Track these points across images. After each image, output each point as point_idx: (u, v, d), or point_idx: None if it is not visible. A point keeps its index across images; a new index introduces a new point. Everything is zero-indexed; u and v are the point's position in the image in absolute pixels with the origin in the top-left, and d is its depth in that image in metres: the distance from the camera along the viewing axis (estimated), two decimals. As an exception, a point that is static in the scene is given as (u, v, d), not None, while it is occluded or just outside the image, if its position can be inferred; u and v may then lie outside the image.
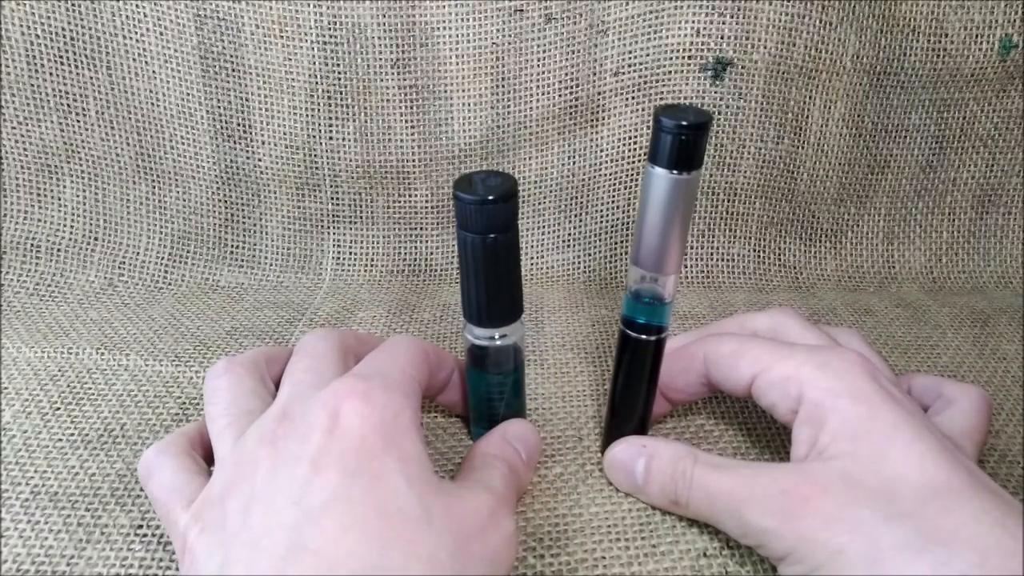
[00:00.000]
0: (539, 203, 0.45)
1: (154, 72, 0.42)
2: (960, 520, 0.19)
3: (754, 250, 0.45)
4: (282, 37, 0.41)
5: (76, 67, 0.42)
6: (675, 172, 0.22)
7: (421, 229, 0.46)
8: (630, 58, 0.42)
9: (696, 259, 0.45)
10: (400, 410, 0.22)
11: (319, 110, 0.43)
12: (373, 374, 0.23)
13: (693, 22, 0.40)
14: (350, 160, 0.44)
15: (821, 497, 0.21)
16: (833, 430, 0.23)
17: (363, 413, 0.21)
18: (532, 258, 0.46)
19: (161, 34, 0.41)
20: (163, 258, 0.45)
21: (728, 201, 0.44)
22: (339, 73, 0.42)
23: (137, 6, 0.41)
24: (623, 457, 0.27)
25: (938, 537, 0.19)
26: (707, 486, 0.24)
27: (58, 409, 0.32)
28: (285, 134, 0.43)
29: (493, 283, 0.25)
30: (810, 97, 0.42)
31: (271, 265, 0.45)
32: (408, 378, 0.24)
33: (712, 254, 0.45)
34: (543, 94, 0.43)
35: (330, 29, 0.41)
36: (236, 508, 0.20)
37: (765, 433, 0.31)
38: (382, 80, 0.42)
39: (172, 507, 0.23)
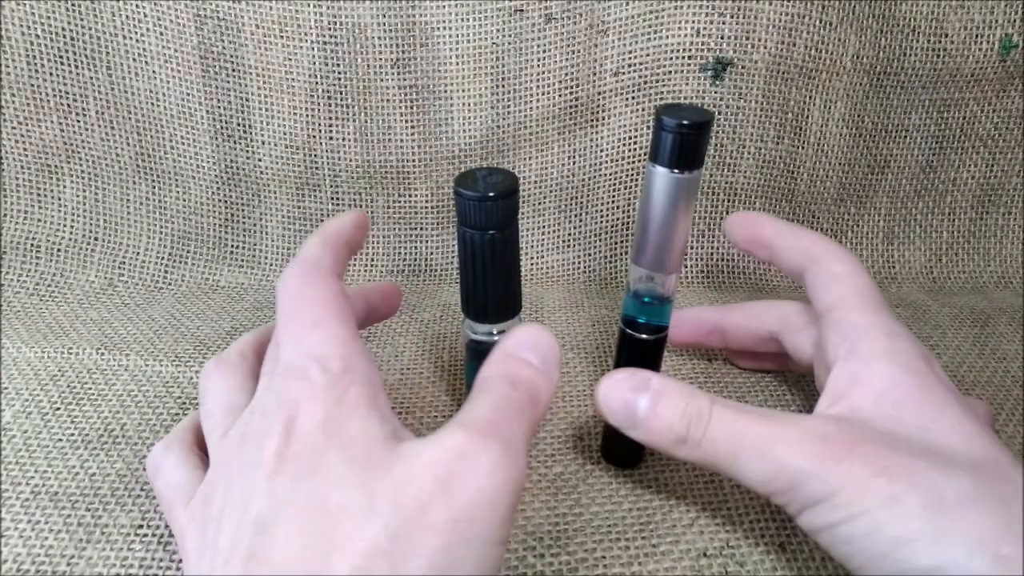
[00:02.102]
0: (539, 203, 0.45)
1: (154, 72, 0.42)
2: (1016, 487, 0.19)
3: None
4: (282, 37, 0.41)
5: (76, 67, 0.42)
6: (676, 171, 0.22)
7: (421, 229, 0.46)
8: (630, 58, 0.42)
9: (696, 259, 0.45)
10: (343, 395, 0.20)
11: (319, 110, 0.43)
12: (309, 362, 0.21)
13: (693, 22, 0.40)
14: (350, 160, 0.44)
15: (869, 445, 0.21)
16: (879, 391, 0.23)
17: (312, 413, 0.20)
18: (532, 258, 0.46)
19: (161, 34, 0.41)
20: (163, 258, 0.45)
21: (728, 201, 0.44)
22: (339, 73, 0.42)
23: (137, 6, 0.41)
24: (622, 390, 0.24)
25: (1001, 495, 0.19)
26: (730, 425, 0.22)
27: (58, 409, 0.32)
28: (285, 134, 0.43)
29: (492, 279, 0.25)
30: (810, 97, 0.42)
31: (271, 265, 0.45)
32: (348, 348, 0.21)
33: (712, 254, 0.45)
34: (543, 94, 0.43)
35: (330, 29, 0.41)
36: (214, 513, 0.20)
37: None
38: (382, 80, 0.42)
39: (174, 505, 0.23)
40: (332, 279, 0.23)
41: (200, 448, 0.25)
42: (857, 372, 0.23)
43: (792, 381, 0.34)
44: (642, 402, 0.23)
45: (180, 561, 0.25)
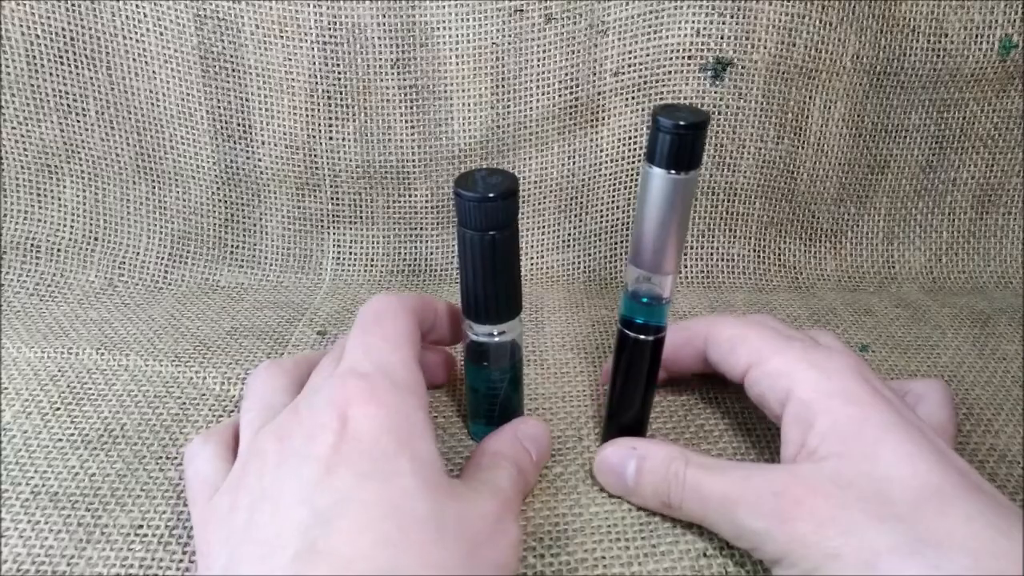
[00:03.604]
0: (539, 203, 0.45)
1: (154, 72, 0.42)
2: (953, 522, 0.19)
3: (754, 250, 0.45)
4: (282, 37, 0.41)
5: (76, 67, 0.42)
6: (673, 172, 0.22)
7: (421, 229, 0.46)
8: (630, 58, 0.42)
9: (696, 259, 0.45)
10: (412, 412, 0.21)
11: (319, 110, 0.43)
12: (375, 369, 0.22)
13: (693, 22, 0.40)
14: (350, 160, 0.44)
15: (813, 498, 0.21)
16: (823, 431, 0.23)
17: (374, 415, 0.20)
18: (532, 258, 0.46)
19: (161, 34, 0.41)
20: (163, 258, 0.45)
21: (728, 201, 0.44)
22: (339, 73, 0.42)
23: (137, 6, 0.41)
24: (613, 459, 0.26)
25: (931, 539, 0.19)
26: (700, 488, 0.23)
27: (58, 409, 0.32)
28: (285, 134, 0.43)
29: (492, 280, 0.25)
30: (810, 97, 0.42)
31: (271, 265, 0.45)
32: (412, 371, 0.23)
33: (712, 254, 0.45)
34: (543, 94, 0.43)
35: (330, 29, 0.41)
36: (245, 503, 0.20)
37: (765, 434, 0.31)
38: (382, 80, 0.42)
39: (198, 497, 0.23)
40: (413, 315, 0.25)
41: (237, 448, 0.25)
42: (799, 415, 0.24)
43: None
44: (630, 469, 0.26)
45: (180, 561, 0.25)
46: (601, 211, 0.45)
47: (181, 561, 0.25)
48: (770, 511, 0.21)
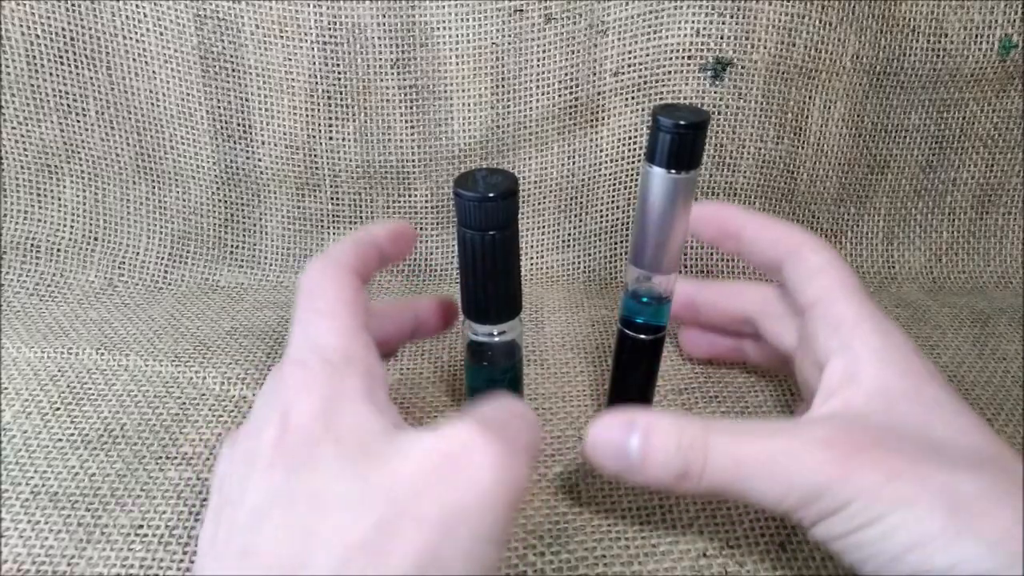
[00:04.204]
0: (539, 203, 0.45)
1: (154, 72, 0.42)
2: (1019, 482, 0.19)
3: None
4: (282, 37, 0.41)
5: (76, 67, 0.42)
6: (673, 171, 0.22)
7: (421, 229, 0.46)
8: (630, 58, 0.42)
9: (696, 259, 0.45)
10: (343, 388, 0.20)
11: (319, 110, 0.43)
12: (309, 352, 0.21)
13: (693, 22, 0.40)
14: (350, 160, 0.44)
15: (875, 449, 0.20)
16: (874, 389, 0.22)
17: (307, 405, 0.20)
18: (532, 258, 0.46)
19: (161, 34, 0.42)
20: (163, 258, 0.45)
21: (728, 201, 0.44)
22: (339, 73, 0.42)
23: (137, 6, 0.41)
24: (609, 435, 0.23)
25: (1008, 490, 0.19)
26: (733, 453, 0.21)
27: (58, 409, 0.32)
28: (285, 134, 0.43)
29: (492, 280, 0.25)
30: (810, 97, 0.42)
31: (271, 265, 0.45)
32: (347, 339, 0.21)
33: (711, 254, 0.45)
34: (543, 94, 0.43)
35: (330, 29, 0.41)
36: (217, 504, 0.21)
37: (765, 433, 0.31)
38: (382, 80, 0.42)
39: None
40: (348, 274, 0.23)
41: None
42: (852, 370, 0.23)
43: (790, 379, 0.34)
44: (633, 443, 0.22)
45: (181, 561, 0.25)
46: (601, 211, 0.45)
47: (182, 561, 0.25)
48: (826, 462, 0.20)
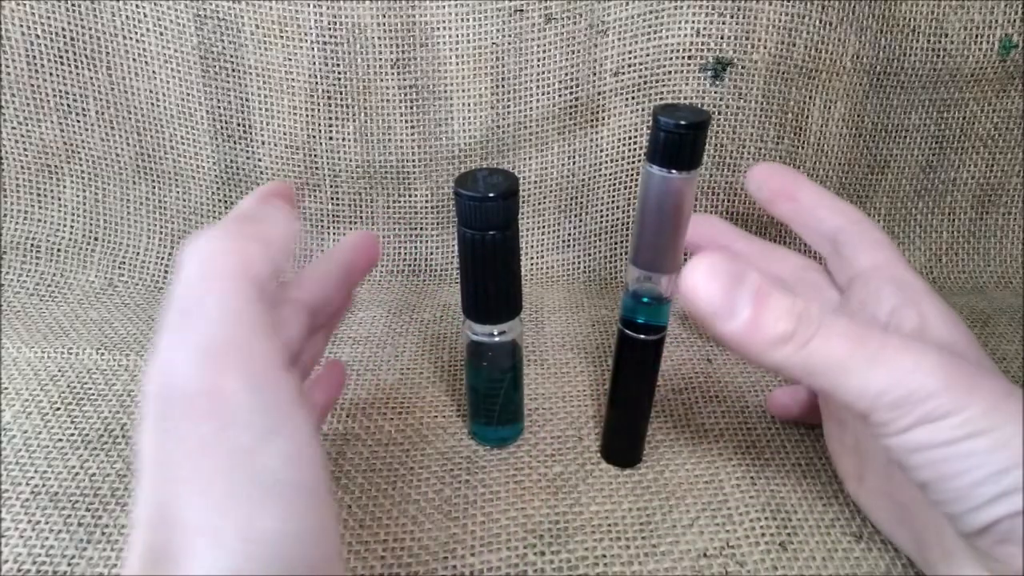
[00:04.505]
0: (539, 203, 0.45)
1: (154, 72, 0.42)
2: None
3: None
4: (282, 37, 0.41)
5: (76, 67, 0.42)
6: (673, 171, 0.22)
7: (421, 229, 0.46)
8: (630, 58, 0.42)
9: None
10: None
11: (319, 110, 0.43)
12: None
13: (693, 22, 0.40)
14: (350, 160, 0.44)
15: (984, 369, 0.21)
16: (941, 343, 0.23)
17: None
18: (532, 258, 0.46)
19: (161, 34, 0.41)
20: (163, 258, 0.45)
21: (728, 201, 0.44)
22: (339, 73, 0.42)
23: (137, 6, 0.41)
24: (725, 273, 0.20)
25: None
26: (846, 331, 0.20)
27: (58, 409, 0.32)
28: (285, 134, 0.43)
29: (492, 280, 0.25)
30: (810, 97, 0.42)
31: (271, 265, 0.45)
32: None
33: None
34: (543, 94, 0.43)
35: (330, 29, 0.41)
36: None
37: (765, 433, 0.31)
38: (382, 80, 0.42)
39: None
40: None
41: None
42: (922, 324, 0.23)
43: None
44: (744, 294, 0.20)
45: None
46: (601, 211, 0.45)
47: (181, 561, 0.25)
48: (944, 366, 0.20)
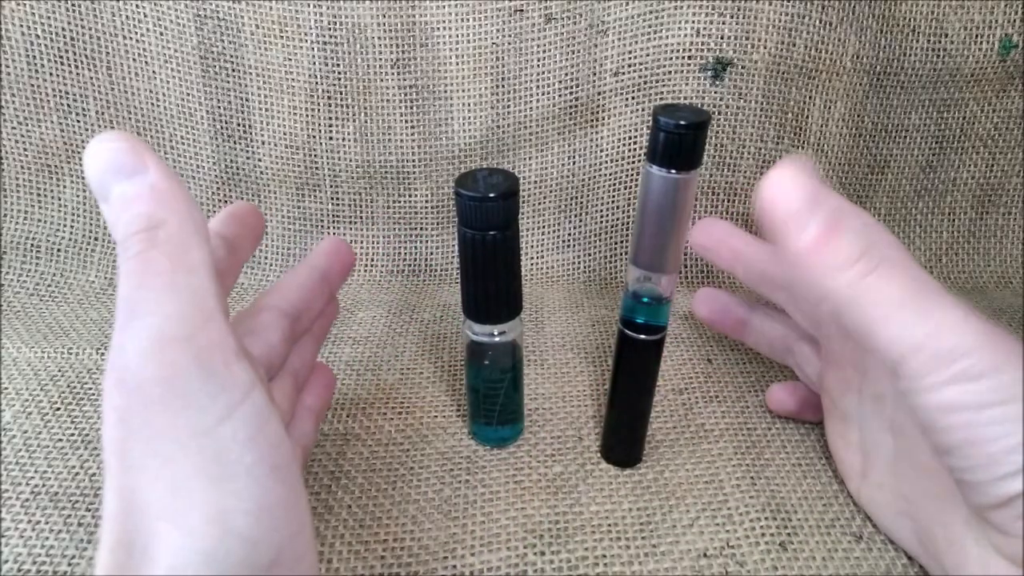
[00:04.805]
0: (539, 203, 0.45)
1: (154, 72, 0.42)
2: None
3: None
4: (282, 37, 0.41)
5: (76, 67, 0.42)
6: (673, 171, 0.22)
7: (421, 229, 0.46)
8: (630, 58, 0.42)
9: (696, 259, 0.45)
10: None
11: (319, 110, 0.43)
12: None
13: (693, 22, 0.40)
14: (350, 160, 0.44)
15: (1017, 345, 0.20)
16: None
17: None
18: (532, 258, 0.46)
19: (161, 34, 0.41)
20: (163, 258, 0.45)
21: (728, 201, 0.44)
22: (339, 73, 0.42)
23: (137, 6, 0.41)
24: (807, 177, 0.20)
25: None
26: (904, 271, 0.20)
27: (58, 409, 0.32)
28: (285, 134, 0.43)
29: (493, 280, 0.25)
30: (810, 97, 0.42)
31: (271, 265, 0.45)
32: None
33: (712, 254, 0.45)
34: (543, 94, 0.43)
35: (330, 29, 0.41)
36: None
37: (766, 433, 0.31)
38: (382, 80, 0.42)
39: None
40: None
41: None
42: None
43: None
44: (825, 207, 0.20)
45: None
46: (601, 211, 0.45)
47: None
48: (983, 328, 0.20)
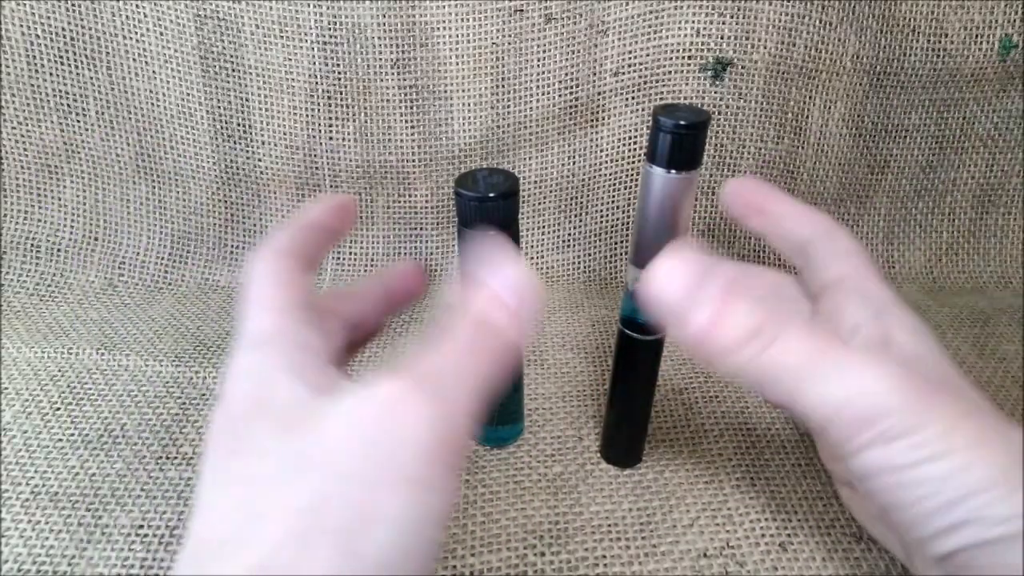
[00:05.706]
0: (539, 203, 0.45)
1: (154, 72, 0.42)
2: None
3: (754, 250, 0.45)
4: (282, 37, 0.41)
5: (76, 67, 0.42)
6: (673, 171, 0.22)
7: (421, 229, 0.46)
8: (630, 58, 0.42)
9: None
10: (264, 365, 0.19)
11: (319, 110, 0.43)
12: (241, 341, 0.21)
13: (693, 22, 0.40)
14: (350, 160, 0.44)
15: (946, 389, 0.20)
16: (907, 357, 0.22)
17: (239, 390, 0.19)
18: (532, 258, 0.46)
19: (161, 34, 0.41)
20: (163, 258, 0.45)
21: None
22: (339, 73, 0.42)
23: (137, 6, 0.41)
24: (688, 272, 0.20)
25: None
26: (808, 340, 0.20)
27: (58, 409, 0.32)
28: (285, 134, 0.43)
29: (493, 282, 0.25)
30: (810, 97, 0.42)
31: (271, 265, 0.45)
32: (275, 313, 0.21)
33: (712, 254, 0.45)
34: (543, 94, 0.43)
35: (330, 29, 0.41)
36: None
37: (765, 434, 0.31)
38: (382, 80, 0.42)
39: None
40: (282, 258, 0.23)
41: None
42: (888, 337, 0.22)
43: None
44: (711, 291, 0.20)
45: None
46: (601, 211, 0.45)
47: (181, 561, 0.25)
48: (903, 383, 0.19)
